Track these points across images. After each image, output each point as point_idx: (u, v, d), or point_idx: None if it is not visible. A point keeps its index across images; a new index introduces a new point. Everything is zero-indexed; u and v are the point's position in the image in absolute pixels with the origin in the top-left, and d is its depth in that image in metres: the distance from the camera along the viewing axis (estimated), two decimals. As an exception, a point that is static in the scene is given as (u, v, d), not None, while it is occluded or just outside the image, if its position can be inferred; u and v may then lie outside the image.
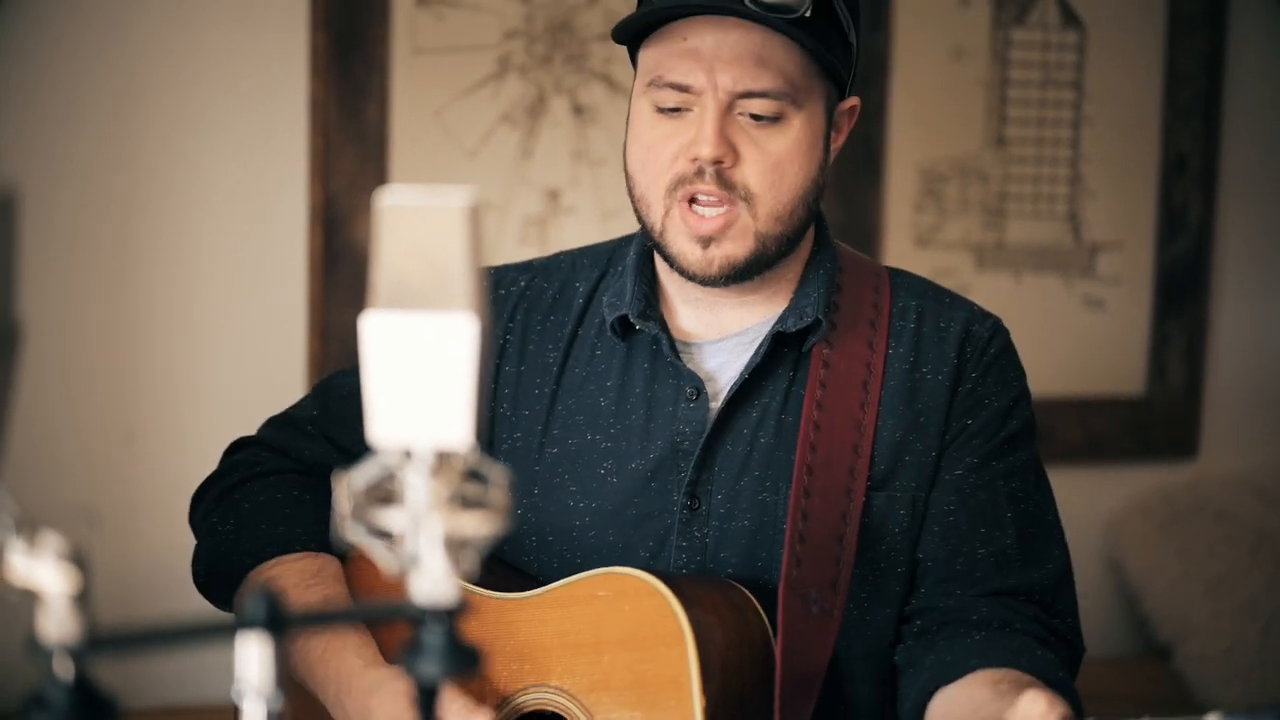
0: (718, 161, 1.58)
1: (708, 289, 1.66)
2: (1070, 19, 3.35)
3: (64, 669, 0.77)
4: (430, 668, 0.86)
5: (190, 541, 2.52)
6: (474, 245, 0.89)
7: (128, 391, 2.84)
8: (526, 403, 1.73)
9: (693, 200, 1.60)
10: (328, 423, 1.79)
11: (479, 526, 0.88)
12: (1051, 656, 1.59)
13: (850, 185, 3.25)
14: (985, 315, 1.74)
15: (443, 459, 0.89)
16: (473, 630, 1.62)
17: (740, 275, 1.63)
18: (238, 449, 1.84)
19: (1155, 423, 3.51)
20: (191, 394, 2.89)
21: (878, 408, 1.66)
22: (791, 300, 1.68)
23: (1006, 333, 1.74)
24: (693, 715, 1.50)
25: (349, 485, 0.90)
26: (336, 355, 2.90)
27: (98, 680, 0.78)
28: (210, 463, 2.86)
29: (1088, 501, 3.41)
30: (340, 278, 2.90)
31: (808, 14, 1.57)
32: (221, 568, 1.73)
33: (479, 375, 0.89)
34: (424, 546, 0.87)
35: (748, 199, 1.59)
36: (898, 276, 1.77)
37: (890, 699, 1.68)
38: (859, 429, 1.65)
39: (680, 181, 1.60)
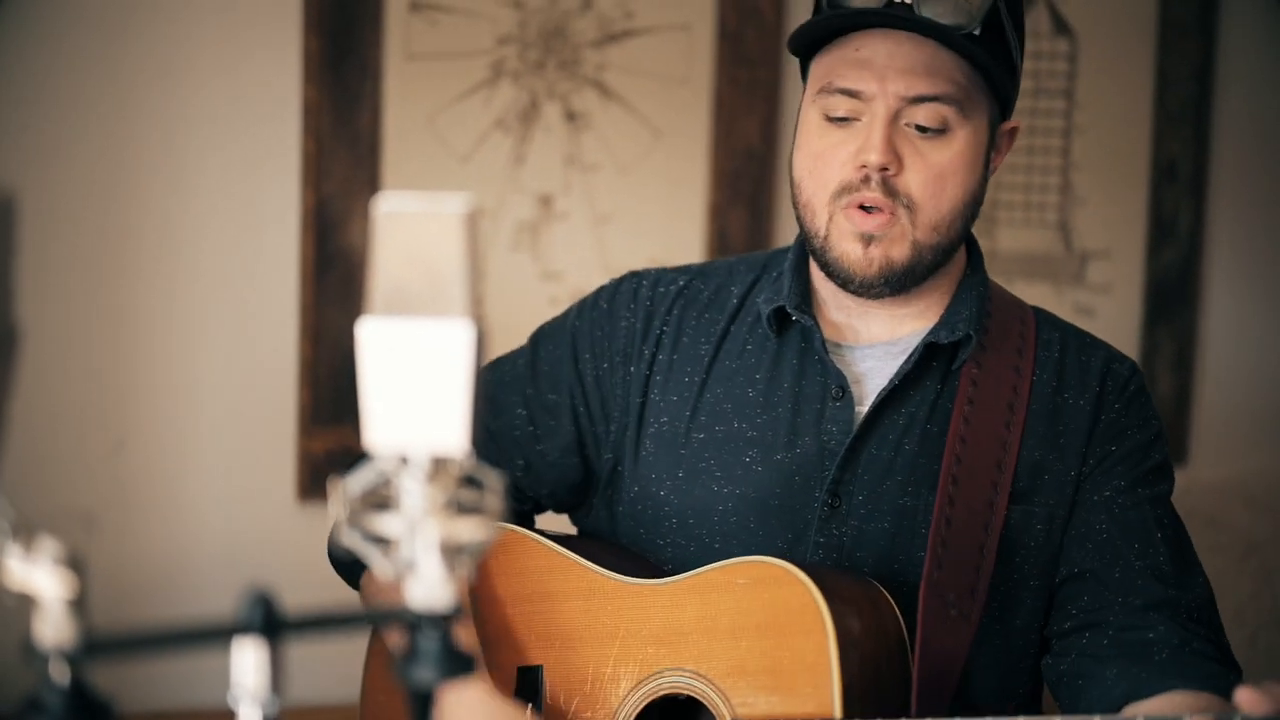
0: (884, 169, 1.62)
1: (862, 300, 1.71)
2: (1061, 27, 3.36)
3: (60, 673, 0.77)
4: (426, 673, 0.86)
5: (179, 545, 2.53)
6: (471, 251, 0.90)
7: (119, 397, 2.84)
8: (676, 389, 1.78)
9: (858, 207, 1.65)
10: (493, 403, 1.85)
11: (474, 532, 0.88)
12: (1233, 679, 1.60)
13: (842, 192, 3.26)
14: (1124, 356, 1.80)
15: (439, 465, 0.89)
16: (610, 615, 1.69)
17: (897, 281, 1.67)
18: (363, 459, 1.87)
19: (1145, 430, 3.52)
20: (183, 399, 2.89)
21: (1022, 427, 1.70)
22: (943, 315, 1.73)
23: (1142, 375, 1.80)
24: (830, 702, 1.53)
25: (344, 491, 0.90)
26: (328, 359, 2.91)
27: (93, 684, 0.78)
28: (203, 466, 2.88)
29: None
30: (332, 282, 2.90)
31: (977, 31, 1.62)
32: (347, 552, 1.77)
33: (475, 381, 0.89)
34: (420, 552, 0.87)
35: (909, 207, 1.64)
36: (1041, 312, 1.83)
37: (1016, 707, 1.71)
38: (1003, 446, 1.69)
39: (846, 189, 1.64)
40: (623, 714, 1.66)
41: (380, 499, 0.90)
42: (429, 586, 0.86)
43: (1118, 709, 1.60)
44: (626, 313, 1.83)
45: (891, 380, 1.70)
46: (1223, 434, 3.61)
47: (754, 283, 1.82)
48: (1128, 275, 3.47)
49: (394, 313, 0.89)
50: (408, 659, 0.87)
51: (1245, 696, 1.39)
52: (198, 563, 2.87)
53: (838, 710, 1.54)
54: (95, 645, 0.78)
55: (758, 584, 1.60)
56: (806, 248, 1.73)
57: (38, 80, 2.77)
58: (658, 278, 1.86)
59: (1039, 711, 1.78)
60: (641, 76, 3.06)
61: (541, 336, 1.87)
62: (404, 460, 0.89)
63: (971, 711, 1.66)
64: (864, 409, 1.71)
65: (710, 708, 1.62)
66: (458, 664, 0.87)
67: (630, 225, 3.07)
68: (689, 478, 1.74)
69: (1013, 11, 1.67)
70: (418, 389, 0.89)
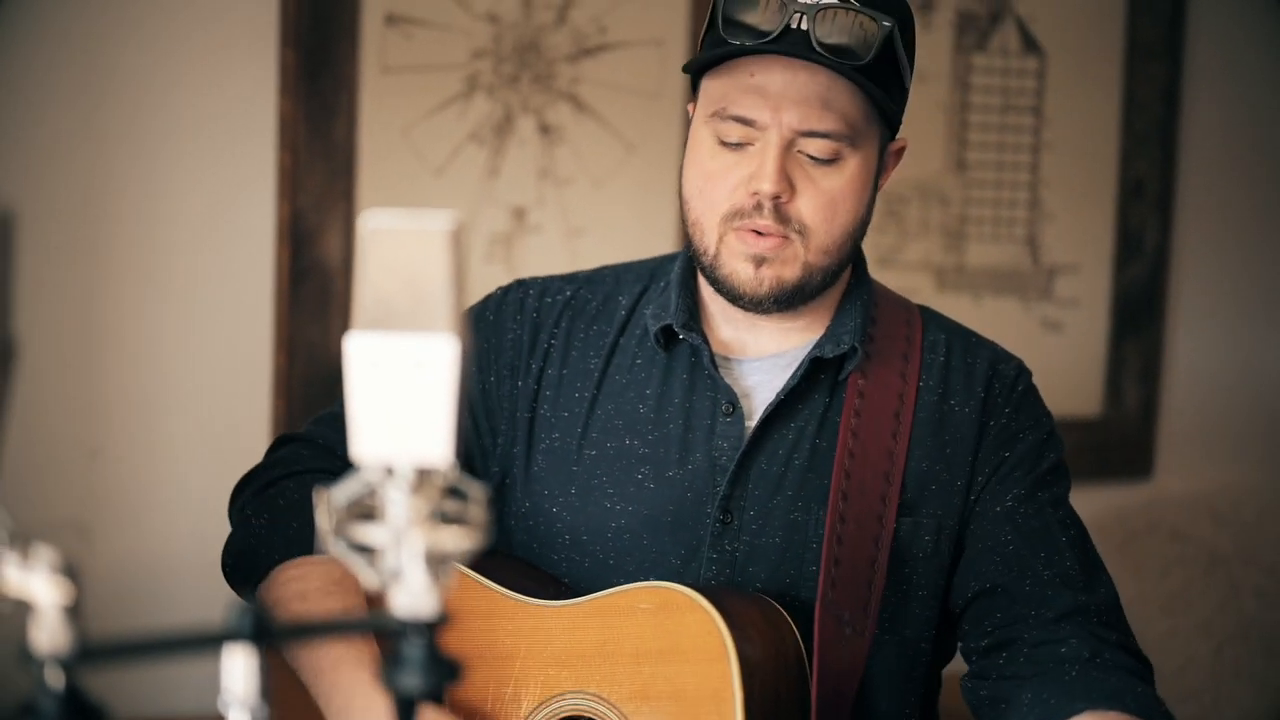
0: (776, 197, 1.63)
1: (750, 314, 1.72)
2: (1030, 45, 3.40)
3: (55, 678, 0.79)
4: (411, 680, 0.88)
5: (154, 554, 2.52)
6: (455, 268, 0.92)
7: (93, 407, 2.85)
8: (566, 405, 1.78)
9: (749, 230, 1.65)
10: None
11: (458, 542, 0.90)
12: (1151, 692, 1.63)
13: (813, 207, 3.29)
14: (1010, 356, 1.81)
15: (423, 476, 0.91)
16: (510, 635, 1.68)
17: (786, 300, 1.68)
18: (281, 445, 1.87)
19: (1111, 444, 3.55)
20: (158, 409, 2.90)
21: (908, 438, 1.71)
22: (829, 328, 1.74)
23: (1030, 373, 1.81)
24: None
25: (330, 501, 0.92)
26: (303, 371, 2.92)
27: (88, 690, 0.80)
28: (176, 477, 2.89)
29: (1045, 521, 3.46)
30: (307, 294, 2.92)
31: (870, 58, 1.62)
32: (249, 560, 1.76)
33: (460, 394, 0.92)
34: (405, 561, 0.89)
35: (801, 232, 1.65)
36: (927, 312, 1.84)
37: (911, 715, 1.73)
38: (890, 457, 1.70)
39: (738, 213, 1.65)
40: None
41: (366, 509, 0.92)
42: (414, 595, 0.88)
43: None
44: (513, 324, 1.83)
45: (778, 395, 1.71)
46: (1189, 447, 3.65)
47: (641, 293, 1.82)
48: (1095, 290, 3.51)
49: (380, 328, 0.91)
50: (392, 666, 0.89)
51: None
52: (173, 570, 2.87)
53: None
54: (89, 652, 0.80)
55: (661, 610, 1.61)
56: (695, 263, 1.73)
57: (11, 91, 2.78)
58: (544, 287, 1.86)
59: (934, 719, 1.81)
60: (615, 90, 3.08)
61: None
62: (389, 471, 0.91)
63: None
64: (754, 423, 1.72)
65: None
66: (443, 671, 0.89)
67: (603, 237, 3.10)
68: (581, 494, 1.75)
69: (905, 34, 1.67)
70: (403, 402, 0.91)
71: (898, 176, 2.97)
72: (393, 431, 0.91)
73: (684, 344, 1.76)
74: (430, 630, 0.88)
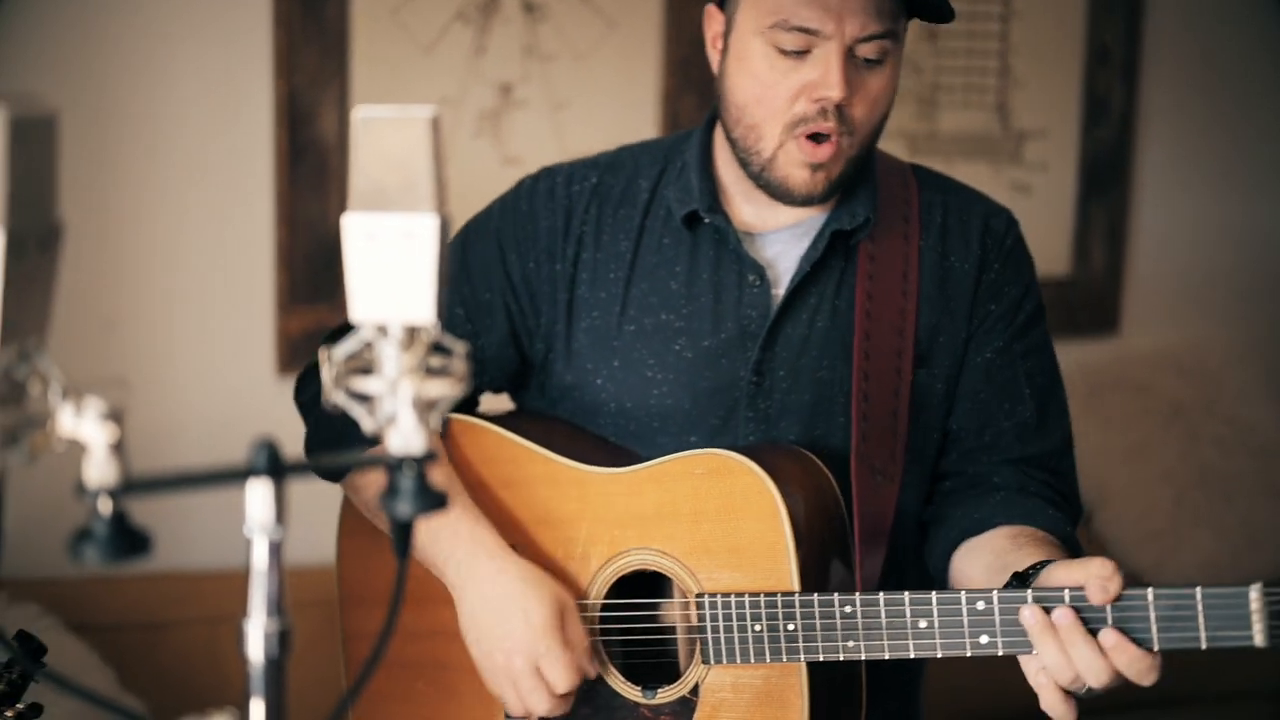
0: (841, 104, 1.73)
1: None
2: (998, -83, 3.48)
3: (105, 508, 0.94)
4: (405, 507, 1.03)
5: (168, 419, 2.66)
6: (437, 153, 1.06)
7: (108, 282, 2.97)
8: (603, 286, 1.90)
9: (807, 136, 1.76)
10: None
11: (443, 390, 1.05)
12: (1061, 516, 1.82)
13: (790, 78, 3.39)
14: (1000, 209, 1.93)
15: (412, 334, 1.05)
16: (574, 500, 1.84)
17: (832, 194, 1.81)
18: (336, 335, 1.99)
19: (1079, 302, 3.69)
20: (168, 283, 3.03)
21: (916, 295, 1.85)
22: (842, 199, 1.85)
23: (1018, 224, 1.93)
24: (789, 576, 1.72)
25: (331, 357, 1.07)
26: (304, 244, 3.05)
27: (132, 518, 0.95)
28: (186, 348, 3.03)
29: (1014, 377, 3.60)
30: (305, 170, 3.04)
31: None
32: (335, 446, 1.87)
33: (442, 262, 1.06)
34: (398, 407, 1.04)
35: (851, 131, 1.76)
36: (919, 171, 1.95)
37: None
38: (902, 314, 1.84)
39: (802, 120, 1.75)
40: (595, 588, 1.83)
41: (363, 363, 1.06)
42: (406, 435, 1.03)
43: (954, 546, 1.81)
44: (546, 212, 1.93)
45: (801, 266, 1.84)
46: (1153, 305, 3.78)
47: (660, 174, 1.93)
48: (1063, 154, 3.62)
49: (372, 208, 1.05)
50: (389, 496, 1.04)
51: (1100, 561, 1.56)
52: (186, 433, 3.03)
53: (796, 584, 1.72)
54: (133, 485, 0.95)
55: (714, 474, 1.76)
56: (739, 161, 1.82)
57: (18, -21, 2.86)
58: (570, 174, 1.96)
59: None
60: (597, -32, 3.18)
61: (469, 237, 1.98)
62: (383, 330, 1.05)
63: (900, 558, 1.84)
64: (779, 291, 1.85)
65: (677, 581, 1.79)
66: (431, 499, 1.04)
67: (586, 112, 3.21)
68: (624, 367, 1.88)
69: None
70: (393, 271, 1.05)
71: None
72: (385, 295, 1.05)
73: (708, 224, 1.87)
74: (420, 464, 1.03)
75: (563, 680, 1.75)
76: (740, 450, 1.77)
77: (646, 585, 1.83)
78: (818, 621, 1.69)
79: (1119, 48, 3.61)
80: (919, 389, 1.85)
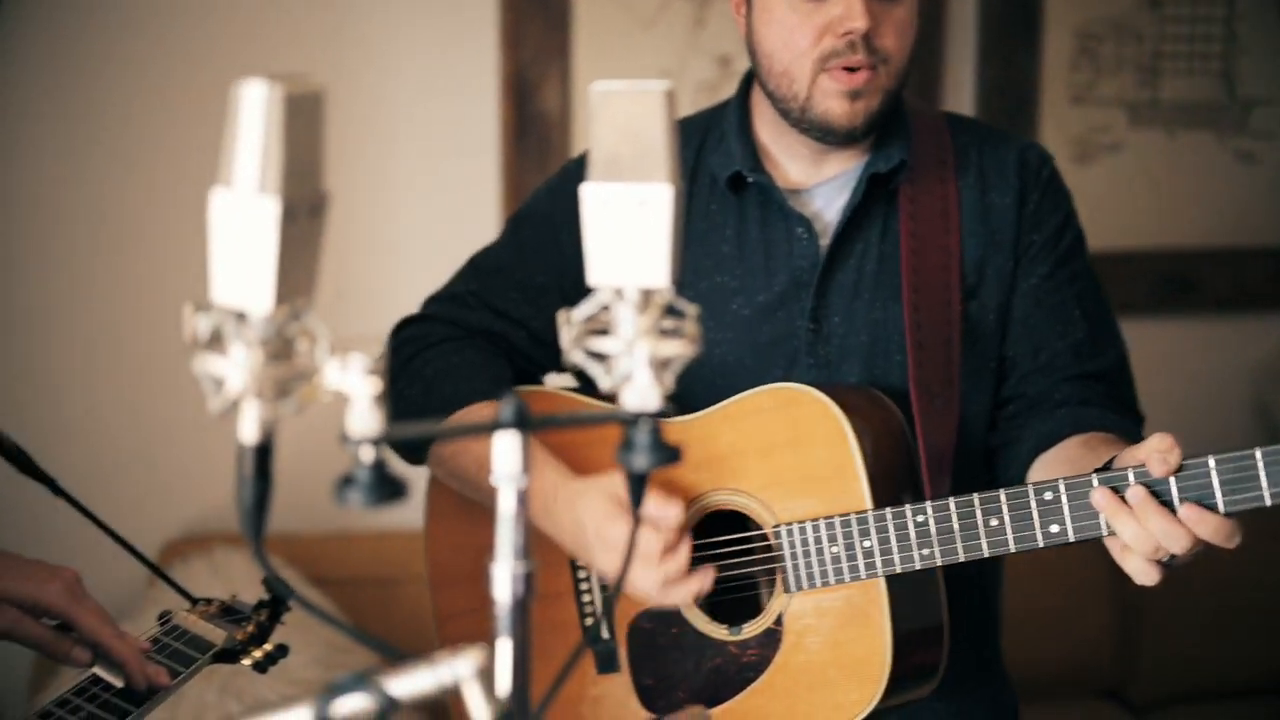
0: (867, 33, 1.81)
1: (818, 146, 1.91)
2: (1225, -120, 3.43)
3: (367, 456, 1.01)
4: (640, 460, 1.09)
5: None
6: (671, 125, 1.11)
7: (338, 251, 3.11)
8: None
9: (841, 69, 1.84)
10: (485, 294, 2.05)
11: (676, 350, 1.11)
12: (1125, 421, 1.90)
13: (1007, 45, 3.38)
14: (1032, 144, 2.02)
15: (646, 296, 1.11)
16: None
17: (873, 127, 1.89)
18: (404, 327, 2.08)
19: (1307, 272, 3.62)
20: (394, 254, 3.15)
21: (959, 232, 1.93)
22: (877, 146, 1.94)
23: (1052, 159, 2.01)
24: (861, 496, 1.80)
25: (570, 319, 1.13)
26: (527, 215, 3.14)
27: (391, 465, 1.03)
28: (403, 308, 3.13)
29: (1237, 349, 3.55)
30: (530, 144, 3.13)
31: None
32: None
33: (676, 228, 1.12)
34: (633, 366, 1.10)
35: (886, 61, 1.85)
36: (950, 117, 2.04)
37: (986, 479, 1.96)
38: (947, 251, 1.92)
39: (830, 55, 1.83)
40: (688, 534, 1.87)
41: (600, 325, 1.12)
42: (641, 392, 1.09)
43: (1028, 465, 1.88)
44: None
45: (844, 213, 1.92)
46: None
47: (701, 146, 2.01)
48: (1291, 121, 3.55)
49: (608, 178, 1.11)
50: (625, 449, 1.11)
51: (1158, 436, 1.63)
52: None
53: (869, 502, 1.80)
54: (393, 434, 1.02)
55: (781, 406, 1.85)
56: (777, 110, 1.90)
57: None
58: None
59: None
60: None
61: (521, 222, 2.06)
62: (619, 293, 1.11)
63: (965, 485, 1.87)
64: (826, 241, 1.93)
65: (754, 518, 1.87)
66: (665, 454, 1.10)
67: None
68: None
69: None
70: (629, 237, 1.11)
71: (1091, 14, 3.13)
72: (621, 260, 1.11)
73: (752, 185, 1.96)
74: (655, 420, 1.09)
75: (663, 512, 1.79)
76: (807, 384, 1.85)
77: (723, 526, 1.90)
78: (892, 534, 1.78)
79: (1350, 11, 3.52)
80: (970, 320, 1.93)
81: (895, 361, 1.93)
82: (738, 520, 1.89)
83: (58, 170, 3.14)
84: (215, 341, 1.01)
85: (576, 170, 2.05)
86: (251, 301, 1.00)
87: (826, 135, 1.88)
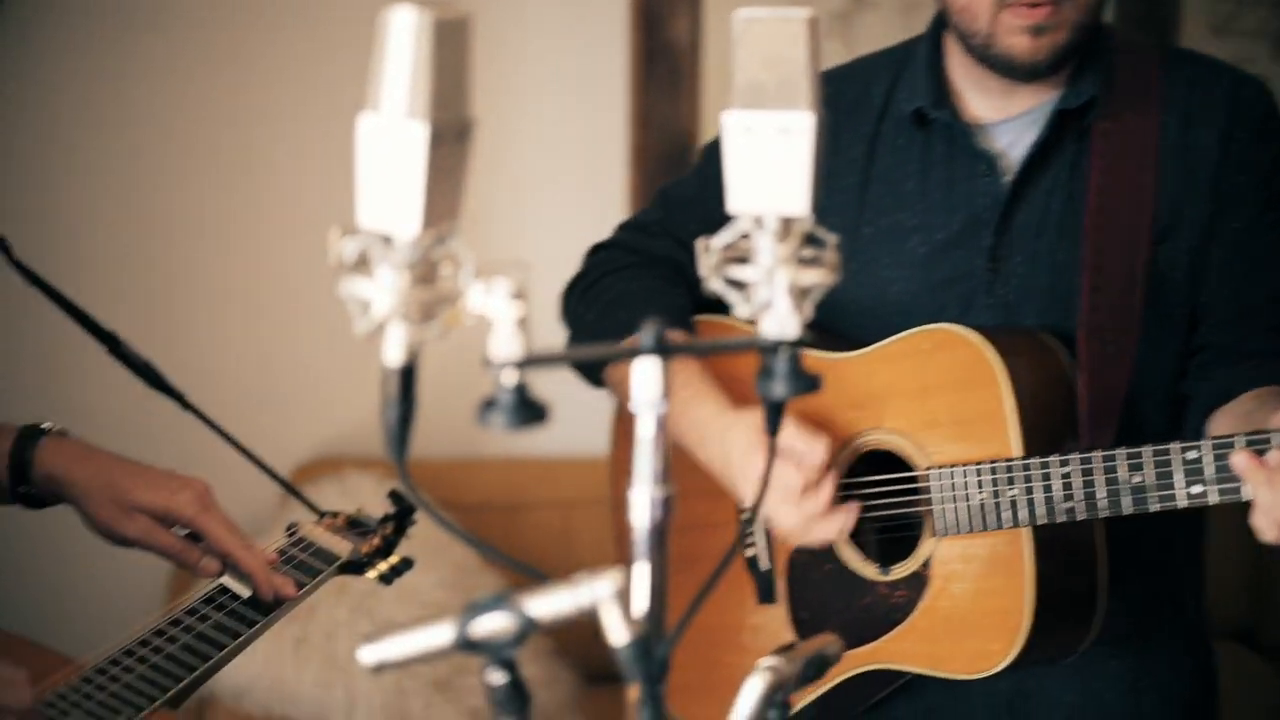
0: None
1: (1006, 81, 1.86)
2: None
3: (509, 379, 1.03)
4: (779, 388, 1.10)
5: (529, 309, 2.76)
6: (814, 53, 1.11)
7: (474, 182, 3.13)
8: (840, 192, 1.95)
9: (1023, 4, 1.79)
10: (670, 223, 2.06)
11: (815, 278, 1.11)
12: None
13: (1147, -25, 3.32)
14: (1249, 78, 1.91)
15: (786, 224, 1.11)
16: None
17: (1061, 62, 1.83)
18: (596, 251, 2.11)
19: None
20: (525, 182, 3.17)
21: (1155, 170, 1.85)
22: (1070, 81, 1.87)
23: (1271, 95, 1.91)
24: (1011, 443, 1.77)
25: (709, 247, 1.13)
26: (656, 145, 3.15)
27: (533, 389, 1.04)
28: (544, 245, 3.17)
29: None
30: (659, 73, 3.13)
31: None
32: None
33: (816, 158, 1.11)
34: (773, 294, 1.10)
35: None
36: (1169, 50, 1.96)
37: (1167, 431, 1.89)
38: (1141, 190, 1.85)
39: None
40: (833, 468, 1.86)
41: (738, 253, 1.13)
42: (780, 320, 1.09)
43: (1204, 419, 1.81)
44: None
45: (1030, 150, 1.86)
46: None
47: (894, 81, 1.96)
48: None
49: (751, 105, 1.11)
50: (763, 377, 1.11)
51: None
52: (537, 322, 3.17)
53: (1018, 450, 1.76)
54: (535, 358, 1.03)
55: (938, 348, 1.82)
56: (961, 45, 1.86)
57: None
58: None
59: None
60: None
61: (709, 156, 2.04)
62: (759, 222, 1.11)
63: (1137, 437, 1.81)
64: (1010, 179, 1.87)
65: (906, 459, 1.85)
66: (804, 382, 1.10)
67: (937, 12, 3.20)
68: (861, 269, 1.92)
69: None
70: (770, 166, 1.11)
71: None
72: (762, 189, 1.11)
73: (938, 120, 1.91)
74: (794, 348, 1.09)
75: (808, 448, 1.79)
76: (966, 325, 1.82)
77: (877, 466, 1.88)
78: (1037, 484, 1.74)
79: None
80: (1161, 264, 1.85)
81: (1078, 306, 1.86)
82: (895, 464, 1.88)
83: (198, 89, 3.18)
84: (361, 265, 1.03)
85: None
86: (398, 225, 1.01)
87: (1011, 71, 1.83)
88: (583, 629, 1.10)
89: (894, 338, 1.87)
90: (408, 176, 1.00)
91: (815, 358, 1.90)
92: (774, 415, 1.14)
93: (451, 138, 1.02)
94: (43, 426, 1.71)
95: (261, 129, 3.21)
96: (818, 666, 1.18)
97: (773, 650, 1.16)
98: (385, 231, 1.02)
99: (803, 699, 1.91)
